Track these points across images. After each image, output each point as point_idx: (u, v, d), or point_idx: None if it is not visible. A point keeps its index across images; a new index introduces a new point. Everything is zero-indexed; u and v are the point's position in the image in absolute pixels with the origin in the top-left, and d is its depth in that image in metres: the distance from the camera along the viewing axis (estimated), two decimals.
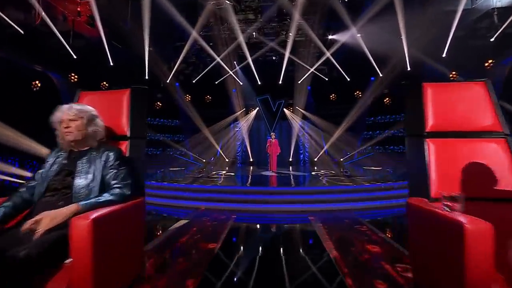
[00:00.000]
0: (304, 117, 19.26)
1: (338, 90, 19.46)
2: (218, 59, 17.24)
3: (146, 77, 15.94)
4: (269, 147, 13.22)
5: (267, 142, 13.34)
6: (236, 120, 19.54)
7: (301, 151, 20.67)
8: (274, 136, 13.32)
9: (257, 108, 19.62)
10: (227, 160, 18.26)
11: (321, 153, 18.11)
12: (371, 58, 16.36)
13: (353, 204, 7.22)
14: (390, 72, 16.04)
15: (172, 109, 17.82)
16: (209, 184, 8.44)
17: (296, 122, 19.80)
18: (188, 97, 19.46)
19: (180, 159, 17.05)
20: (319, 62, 17.68)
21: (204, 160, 17.71)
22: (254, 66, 18.79)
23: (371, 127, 18.57)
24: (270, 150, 13.13)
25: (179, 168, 13.73)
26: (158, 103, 18.26)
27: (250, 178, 10.53)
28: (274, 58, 17.90)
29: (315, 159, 18.14)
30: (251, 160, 18.88)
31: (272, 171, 12.86)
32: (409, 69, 15.61)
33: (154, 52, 15.39)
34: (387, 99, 18.33)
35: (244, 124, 18.75)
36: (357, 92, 19.38)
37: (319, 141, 18.04)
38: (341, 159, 17.33)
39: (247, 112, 19.82)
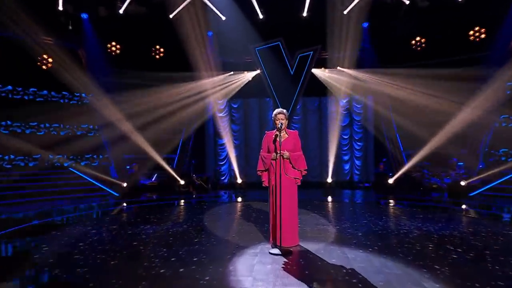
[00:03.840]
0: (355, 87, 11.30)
1: (432, 28, 11.04)
2: None
3: None
4: (265, 162, 4.38)
5: (264, 139, 4.50)
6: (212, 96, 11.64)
7: (347, 157, 12.29)
8: (284, 122, 4.28)
9: (256, 72, 11.51)
10: (182, 182, 10.05)
11: (405, 168, 9.66)
12: None
13: None
14: None
15: (72, 71, 9.91)
16: None
17: (337, 97, 11.58)
18: (115, 48, 10.89)
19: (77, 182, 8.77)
20: None
21: (124, 185, 9.28)
22: None
23: None
24: (273, 168, 4.30)
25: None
26: (43, 60, 9.99)
27: None
28: None
29: (390, 181, 9.78)
30: (240, 181, 10.87)
31: (279, 255, 3.92)
32: None
33: None
34: None
35: (229, 104, 12.50)
36: (477, 29, 10.47)
37: (391, 138, 11.12)
38: (462, 182, 8.33)
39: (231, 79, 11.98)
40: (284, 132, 4.33)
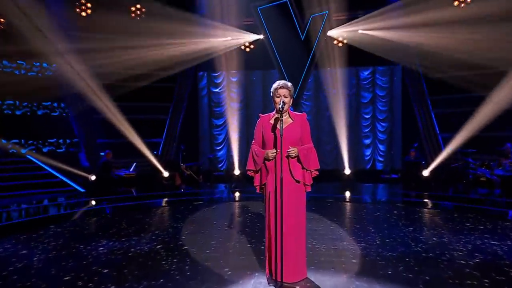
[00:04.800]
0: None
1: None
2: None
3: None
4: (256, 160, 3.14)
5: (258, 126, 3.22)
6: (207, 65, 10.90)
7: (368, 140, 11.37)
8: (288, 100, 3.00)
9: (259, 37, 10.58)
10: (166, 175, 9.35)
11: (442, 156, 8.65)
12: None
13: None
14: None
15: (30, 35, 8.53)
16: None
17: (357, 68, 11.18)
18: (85, 7, 9.82)
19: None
20: None
21: (92, 178, 8.42)
22: None
23: None
24: (270, 167, 3.07)
25: None
26: None
27: None
28: None
29: (425, 173, 8.75)
30: (237, 173, 9.94)
31: None
32: None
33: None
34: None
35: (227, 77, 11.38)
36: None
37: (424, 118, 10.27)
38: None
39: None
40: (287, 116, 3.03)
